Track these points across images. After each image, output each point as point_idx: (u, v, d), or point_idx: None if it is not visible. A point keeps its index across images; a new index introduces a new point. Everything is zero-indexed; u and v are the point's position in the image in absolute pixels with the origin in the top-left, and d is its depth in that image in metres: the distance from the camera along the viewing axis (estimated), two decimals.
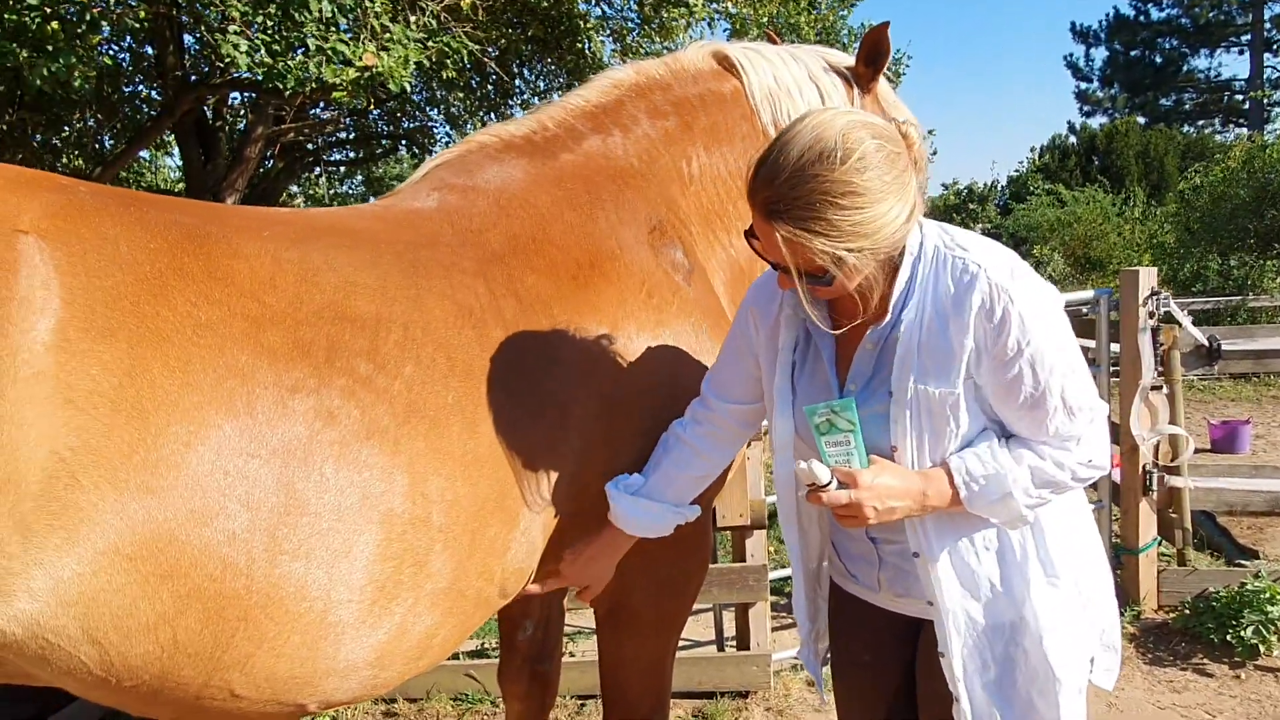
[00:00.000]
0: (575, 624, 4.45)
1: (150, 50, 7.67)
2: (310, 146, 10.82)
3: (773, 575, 4.00)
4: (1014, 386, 1.45)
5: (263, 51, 4.87)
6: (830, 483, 1.49)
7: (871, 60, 2.32)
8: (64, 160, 8.55)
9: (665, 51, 8.84)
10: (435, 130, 11.15)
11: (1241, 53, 31.71)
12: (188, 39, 7.35)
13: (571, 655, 4.01)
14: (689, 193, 2.23)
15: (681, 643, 4.55)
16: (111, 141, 8.92)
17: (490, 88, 9.39)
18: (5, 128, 6.86)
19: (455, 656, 4.21)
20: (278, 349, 1.49)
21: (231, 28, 4.88)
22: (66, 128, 8.07)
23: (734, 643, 4.12)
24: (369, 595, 1.53)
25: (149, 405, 1.35)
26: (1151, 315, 4.29)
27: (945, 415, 1.49)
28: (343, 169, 12.49)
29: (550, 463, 1.78)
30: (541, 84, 9.70)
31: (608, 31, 8.59)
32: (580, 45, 8.32)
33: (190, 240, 1.52)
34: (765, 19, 8.24)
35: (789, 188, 1.36)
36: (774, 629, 4.19)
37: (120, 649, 1.37)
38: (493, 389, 1.71)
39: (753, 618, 3.84)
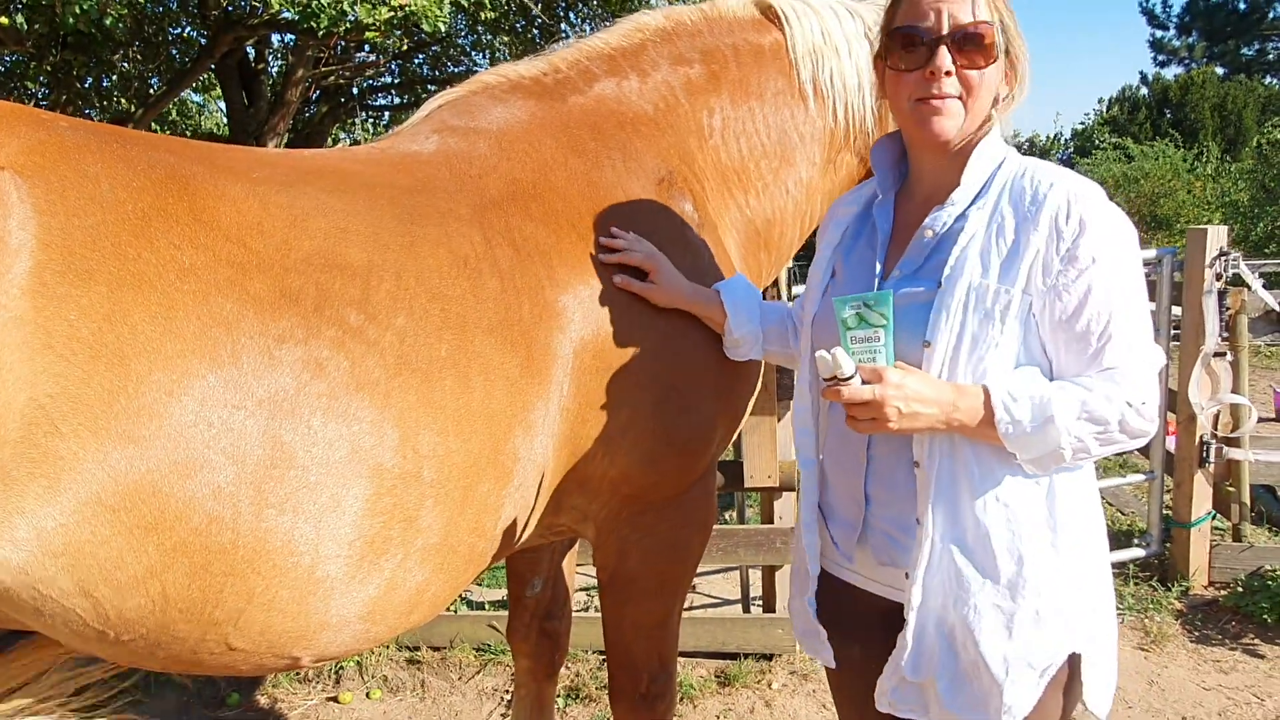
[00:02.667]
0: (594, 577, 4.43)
1: None
2: (354, 91, 10.77)
3: None
4: (1081, 304, 1.37)
5: None
6: (853, 376, 1.35)
7: None
8: (110, 102, 8.62)
9: None
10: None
11: None
12: None
13: (586, 610, 3.98)
14: (707, 146, 2.12)
15: (708, 601, 4.55)
16: (156, 83, 8.95)
17: (535, 32, 9.20)
18: (49, 69, 6.89)
19: (480, 606, 4.23)
20: (264, 297, 1.43)
21: None
22: (110, 69, 8.10)
23: (760, 604, 4.06)
24: (358, 550, 1.50)
25: (129, 352, 1.30)
26: (1219, 277, 4.03)
27: (993, 318, 1.39)
28: (387, 114, 12.44)
29: (546, 418, 1.70)
30: (588, 28, 9.48)
31: None
32: None
33: (174, 180, 1.45)
34: None
35: None
36: None
37: (114, 602, 1.35)
38: (487, 342, 1.63)
39: (779, 580, 3.77)
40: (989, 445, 1.40)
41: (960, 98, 1.45)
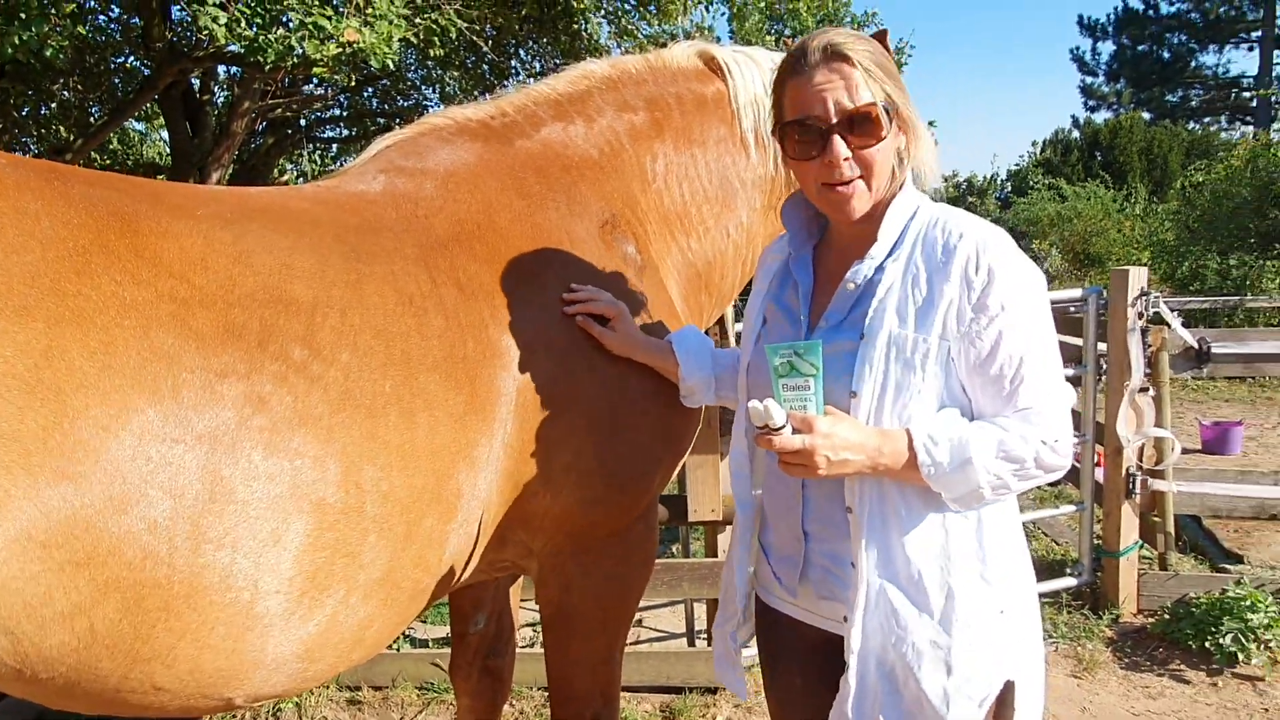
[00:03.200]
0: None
1: (138, 22, 7.55)
2: (301, 123, 10.71)
3: None
4: (994, 349, 1.44)
5: (243, 24, 4.77)
6: (784, 426, 1.41)
7: None
8: (48, 130, 8.45)
9: (663, 34, 8.74)
10: (430, 110, 11.03)
11: (1251, 49, 31.46)
12: (175, 10, 7.23)
13: (531, 645, 3.96)
14: (651, 190, 2.18)
15: (653, 635, 4.55)
16: (98, 112, 8.81)
17: (485, 67, 9.27)
18: None
19: (423, 644, 4.17)
20: (207, 332, 1.44)
21: (211, 0, 4.78)
22: (50, 98, 7.96)
23: (705, 637, 4.07)
24: (299, 586, 1.49)
25: (66, 387, 1.29)
26: (1141, 316, 4.22)
27: (914, 365, 1.46)
28: (335, 146, 12.37)
29: (490, 455, 1.73)
30: (538, 65, 9.58)
31: (603, 13, 8.46)
32: (576, 26, 8.20)
33: (117, 217, 1.46)
34: (763, 4, 8.12)
35: (839, 34, 1.52)
36: None
37: (34, 639, 1.32)
38: (432, 378, 1.66)
39: None
40: (916, 486, 1.46)
41: (862, 176, 1.51)
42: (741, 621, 1.78)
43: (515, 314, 1.80)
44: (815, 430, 1.39)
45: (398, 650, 3.89)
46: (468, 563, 1.80)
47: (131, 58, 8.46)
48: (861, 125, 1.48)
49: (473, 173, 1.97)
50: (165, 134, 10.73)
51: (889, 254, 1.54)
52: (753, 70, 2.31)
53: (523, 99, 2.18)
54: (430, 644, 4.12)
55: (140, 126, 14.14)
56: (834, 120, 1.48)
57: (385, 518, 1.57)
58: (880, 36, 1.88)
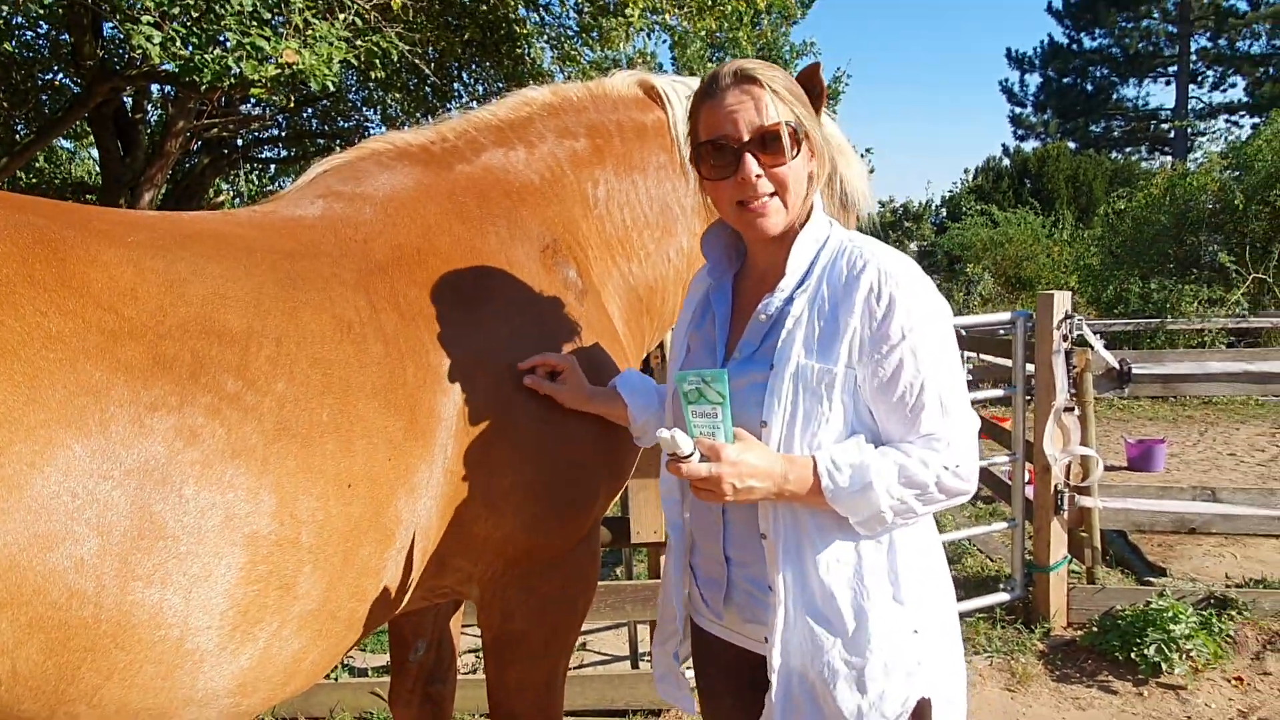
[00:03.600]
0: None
1: (68, 38, 7.37)
2: (238, 143, 10.53)
3: None
4: (894, 376, 1.46)
5: (178, 43, 4.69)
6: (692, 454, 1.44)
7: None
8: None
9: (605, 60, 8.83)
10: (371, 131, 10.97)
11: (1168, 83, 33.00)
12: (107, 28, 7.08)
13: (474, 671, 3.92)
14: (592, 216, 2.20)
15: (596, 658, 4.53)
16: (24, 130, 8.55)
17: (428, 90, 9.25)
18: None
19: (362, 673, 4.10)
20: (136, 364, 1.41)
21: (145, 18, 4.69)
22: None
23: (648, 659, 4.07)
24: (230, 620, 1.46)
25: None
26: (1065, 338, 4.37)
27: (820, 395, 1.49)
28: (273, 167, 12.18)
29: (430, 481, 1.72)
30: (480, 88, 9.59)
31: (546, 38, 8.52)
32: (519, 51, 8.24)
33: (43, 245, 1.42)
34: (704, 33, 8.26)
35: (746, 61, 1.58)
36: None
37: None
38: (371, 405, 1.65)
39: None
40: (828, 512, 1.50)
41: (775, 193, 1.56)
42: (681, 639, 1.81)
43: (456, 339, 1.80)
44: (722, 458, 1.43)
45: (335, 680, 3.81)
46: (406, 590, 1.79)
47: (61, 75, 8.24)
48: (772, 144, 1.52)
49: (412, 197, 1.97)
50: (95, 153, 10.46)
51: (799, 284, 1.57)
52: (690, 97, 2.36)
53: (464, 124, 2.19)
54: (369, 673, 4.05)
55: (69, 145, 13.76)
56: (745, 138, 1.52)
57: (321, 548, 1.55)
58: (813, 70, 1.94)
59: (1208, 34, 31.08)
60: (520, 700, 2.06)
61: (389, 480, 1.65)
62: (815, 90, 2.02)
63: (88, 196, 10.86)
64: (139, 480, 1.36)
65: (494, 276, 1.92)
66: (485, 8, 7.43)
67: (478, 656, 4.21)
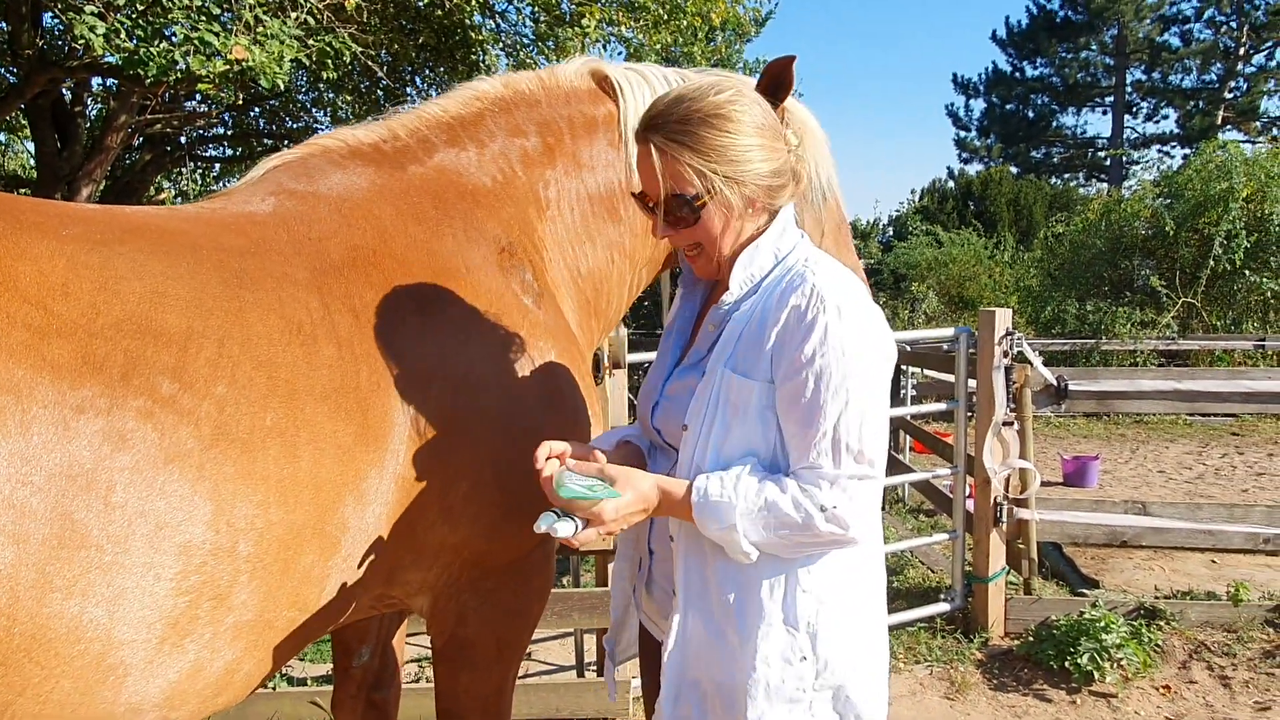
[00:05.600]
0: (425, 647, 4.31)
1: (4, 27, 7.14)
2: (182, 140, 10.29)
3: None
4: (795, 397, 1.45)
5: (123, 35, 4.58)
6: (576, 528, 1.47)
7: (771, 92, 2.19)
8: None
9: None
10: (320, 132, 10.79)
11: (1105, 113, 34.14)
12: (47, 17, 6.88)
13: (417, 681, 3.86)
14: (546, 217, 2.18)
15: (543, 668, 4.50)
16: None
17: (380, 93, 9.15)
18: None
19: (302, 682, 4.01)
20: (64, 363, 1.35)
21: (89, 8, 4.57)
22: None
23: (595, 668, 4.06)
24: (158, 633, 1.42)
25: None
26: (1006, 354, 4.49)
27: (738, 407, 1.50)
28: (218, 166, 11.92)
29: (380, 487, 1.69)
30: (434, 93, 9.53)
31: (502, 46, 8.50)
32: (474, 57, 8.21)
33: None
34: (659, 46, 8.32)
35: (668, 108, 1.52)
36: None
37: None
38: (320, 409, 1.61)
39: None
40: None
41: (698, 243, 1.58)
42: (621, 628, 1.87)
43: (411, 342, 1.77)
44: (604, 520, 1.47)
45: (274, 689, 3.72)
46: (352, 599, 1.75)
47: None
48: (679, 208, 1.53)
49: (367, 197, 1.93)
50: (30, 145, 10.13)
51: (747, 295, 1.58)
52: (644, 90, 2.30)
53: (415, 121, 2.15)
54: (310, 682, 3.97)
55: (2, 137, 13.30)
56: (660, 200, 1.54)
57: (259, 556, 1.51)
58: (785, 64, 1.89)
59: (1143, 67, 32.25)
60: (470, 707, 2.03)
61: (335, 486, 1.62)
62: (783, 83, 1.96)
63: (22, 190, 10.51)
64: (61, 486, 1.31)
65: (451, 279, 1.90)
66: (440, 13, 7.39)
67: (420, 665, 4.15)
